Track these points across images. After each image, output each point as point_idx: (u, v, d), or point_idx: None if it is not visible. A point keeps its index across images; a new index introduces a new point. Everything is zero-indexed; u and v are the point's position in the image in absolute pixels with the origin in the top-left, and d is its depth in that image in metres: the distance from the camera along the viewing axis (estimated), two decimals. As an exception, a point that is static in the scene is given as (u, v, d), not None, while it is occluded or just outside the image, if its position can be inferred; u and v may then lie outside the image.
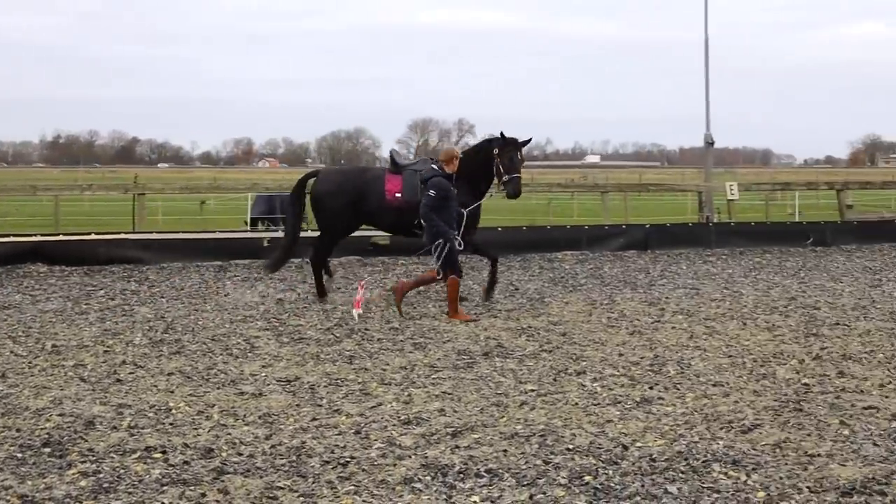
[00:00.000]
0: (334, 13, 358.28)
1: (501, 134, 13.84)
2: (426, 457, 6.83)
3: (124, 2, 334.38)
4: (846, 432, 7.40)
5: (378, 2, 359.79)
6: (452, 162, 13.05)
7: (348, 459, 6.77)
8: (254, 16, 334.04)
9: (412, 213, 13.46)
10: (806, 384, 8.93)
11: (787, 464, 6.67)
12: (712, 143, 26.85)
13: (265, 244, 19.31)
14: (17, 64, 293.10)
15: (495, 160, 13.79)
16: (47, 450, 7.00)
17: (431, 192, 12.67)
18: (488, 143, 14.13)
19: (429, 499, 6.04)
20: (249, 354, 10.35)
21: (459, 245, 12.79)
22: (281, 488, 6.23)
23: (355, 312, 12.37)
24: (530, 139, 14.21)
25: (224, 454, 6.91)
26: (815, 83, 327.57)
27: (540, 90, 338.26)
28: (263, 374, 9.40)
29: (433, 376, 9.34)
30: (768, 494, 6.06)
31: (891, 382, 8.99)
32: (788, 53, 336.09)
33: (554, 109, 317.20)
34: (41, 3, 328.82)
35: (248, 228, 24.28)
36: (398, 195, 13.89)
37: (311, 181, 14.82)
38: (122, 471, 6.55)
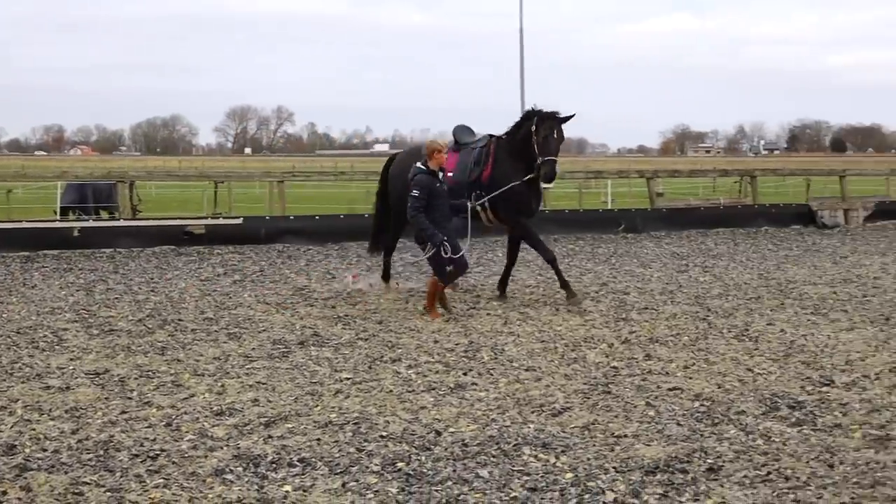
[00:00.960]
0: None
1: (534, 109, 12.78)
2: (238, 447, 6.75)
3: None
4: (651, 413, 7.62)
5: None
6: (434, 156, 11.86)
7: (158, 452, 6.65)
8: (64, 2, 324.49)
9: (462, 194, 12.81)
10: (615, 367, 9.16)
11: (594, 445, 6.83)
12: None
13: (75, 234, 18.82)
14: None
15: (533, 137, 12.64)
16: None
17: (414, 192, 11.73)
18: (527, 120, 12.85)
19: (240, 489, 5.97)
20: (57, 347, 10.04)
21: (445, 252, 11.73)
22: (87, 483, 6.07)
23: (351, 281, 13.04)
24: (572, 115, 12.78)
25: (27, 450, 6.69)
26: (628, 74, 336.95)
27: (360, 78, 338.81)
28: (71, 368, 9.13)
29: (247, 366, 9.23)
30: (576, 475, 6.19)
31: (694, 364, 9.30)
32: (603, 45, 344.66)
33: (375, 98, 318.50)
34: None
35: (58, 218, 23.54)
36: (450, 174, 12.70)
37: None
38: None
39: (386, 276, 14.27)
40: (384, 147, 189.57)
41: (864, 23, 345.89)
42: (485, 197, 12.85)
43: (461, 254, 12.00)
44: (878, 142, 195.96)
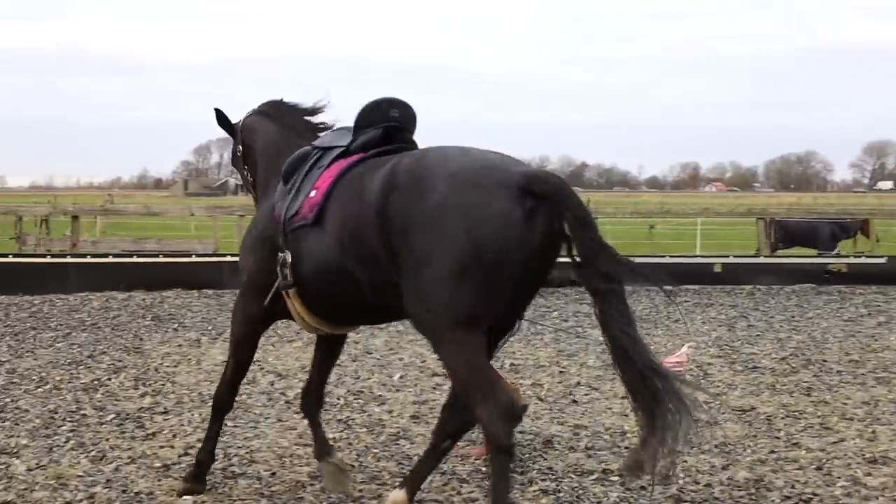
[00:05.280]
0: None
1: None
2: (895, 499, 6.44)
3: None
4: None
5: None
6: None
7: (811, 496, 6.52)
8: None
9: None
10: None
11: None
12: None
13: (716, 270, 19.17)
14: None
15: None
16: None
17: None
18: None
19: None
20: (703, 381, 10.14)
21: None
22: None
23: None
24: None
25: (680, 482, 6.83)
26: None
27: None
28: (717, 403, 9.16)
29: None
30: None
31: None
32: None
33: None
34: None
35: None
36: None
37: None
38: (580, 491, 6.65)
39: None
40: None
41: None
42: None
43: None
44: None
